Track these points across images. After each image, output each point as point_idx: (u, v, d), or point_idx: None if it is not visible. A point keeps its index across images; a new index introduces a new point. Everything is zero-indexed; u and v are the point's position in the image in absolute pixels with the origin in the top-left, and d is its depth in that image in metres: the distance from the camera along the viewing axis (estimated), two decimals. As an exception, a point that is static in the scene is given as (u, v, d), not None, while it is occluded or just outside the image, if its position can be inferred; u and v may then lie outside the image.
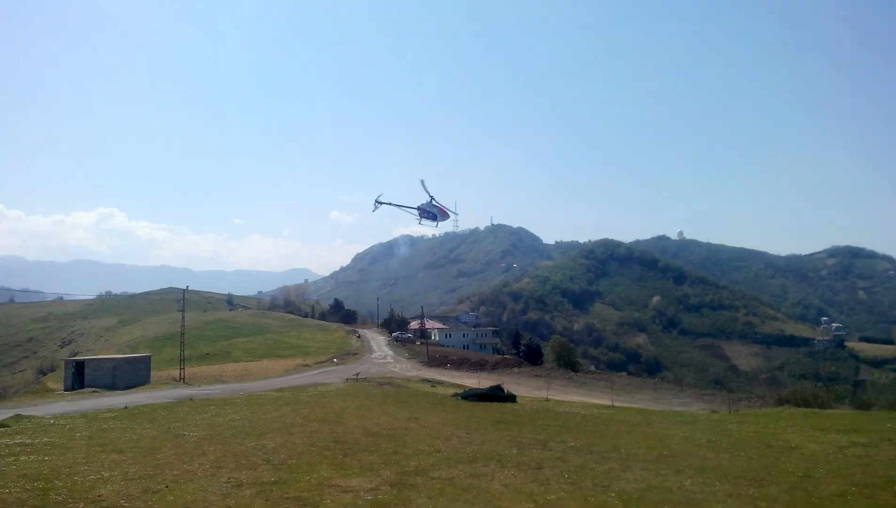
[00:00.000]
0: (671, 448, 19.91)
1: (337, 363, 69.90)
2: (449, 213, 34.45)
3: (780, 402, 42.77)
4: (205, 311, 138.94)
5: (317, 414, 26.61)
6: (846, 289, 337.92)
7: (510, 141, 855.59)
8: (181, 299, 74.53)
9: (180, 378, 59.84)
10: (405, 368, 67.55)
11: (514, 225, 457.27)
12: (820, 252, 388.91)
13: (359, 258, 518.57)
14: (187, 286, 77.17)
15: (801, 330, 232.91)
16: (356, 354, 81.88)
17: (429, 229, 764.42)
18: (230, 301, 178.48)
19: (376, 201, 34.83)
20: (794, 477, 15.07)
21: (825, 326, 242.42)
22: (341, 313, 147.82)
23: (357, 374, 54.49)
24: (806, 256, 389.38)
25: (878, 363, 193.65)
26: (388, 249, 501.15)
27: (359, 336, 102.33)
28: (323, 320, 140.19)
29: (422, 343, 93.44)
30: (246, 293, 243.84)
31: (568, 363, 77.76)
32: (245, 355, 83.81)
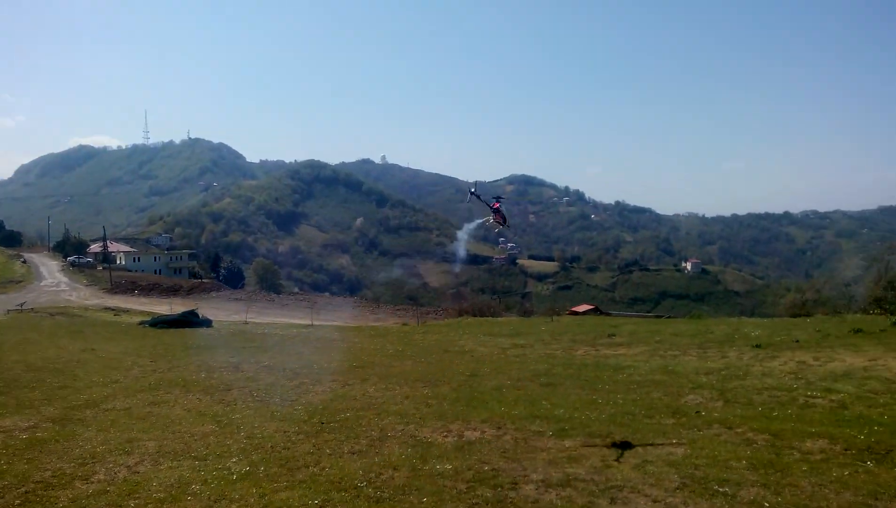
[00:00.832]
0: (361, 360, 21.05)
1: (-4, 294, 60.17)
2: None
3: (460, 313, 47.83)
4: None
5: (-36, 352, 22.77)
6: (520, 212, 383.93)
7: (205, 48, 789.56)
8: None
9: None
10: (83, 296, 60.79)
11: (215, 140, 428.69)
12: (501, 179, 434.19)
13: (24, 171, 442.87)
14: None
15: (484, 250, 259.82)
16: (21, 282, 71.15)
17: (113, 141, 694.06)
18: None
19: (471, 193, 29.23)
20: (463, 377, 17.01)
21: (502, 246, 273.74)
22: (2, 235, 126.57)
23: (21, 304, 47.58)
24: (490, 182, 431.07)
25: (541, 278, 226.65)
26: (62, 160, 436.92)
27: (24, 261, 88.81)
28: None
29: (104, 268, 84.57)
30: None
31: (271, 286, 77.36)
32: None
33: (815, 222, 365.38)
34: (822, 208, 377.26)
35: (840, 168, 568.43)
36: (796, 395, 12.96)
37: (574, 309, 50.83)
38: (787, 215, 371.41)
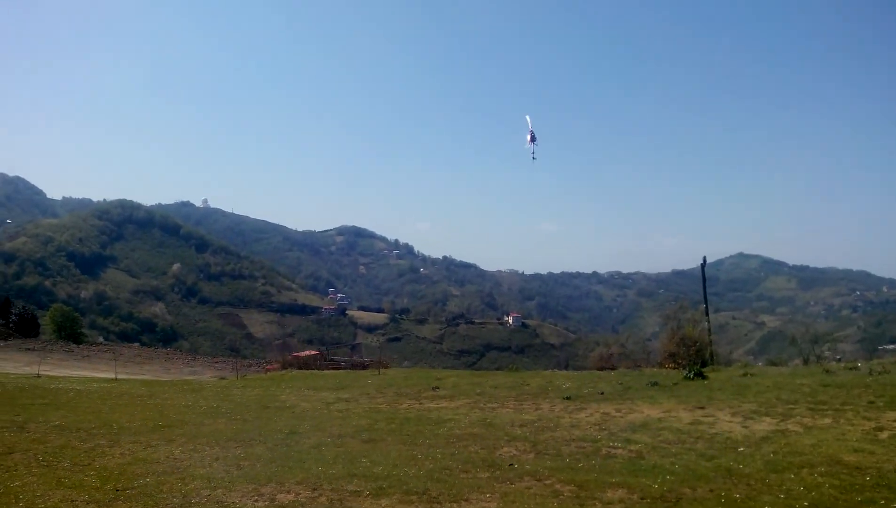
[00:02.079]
0: (169, 418, 19.53)
1: None
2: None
3: (285, 366, 46.20)
4: None
5: None
6: (351, 264, 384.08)
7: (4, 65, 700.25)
8: None
9: None
10: None
11: (10, 173, 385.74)
12: (331, 230, 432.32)
13: None
14: None
15: (312, 300, 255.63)
16: None
17: None
18: None
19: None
20: (281, 435, 16.32)
21: (332, 296, 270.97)
22: None
23: None
24: (319, 232, 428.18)
25: (371, 329, 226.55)
26: None
27: None
28: None
29: None
30: None
31: (70, 335, 69.85)
32: None
33: (619, 281, 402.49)
34: (624, 270, 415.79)
35: (639, 235, 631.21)
36: (600, 446, 13.85)
37: (296, 354, 51.57)
38: (595, 274, 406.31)
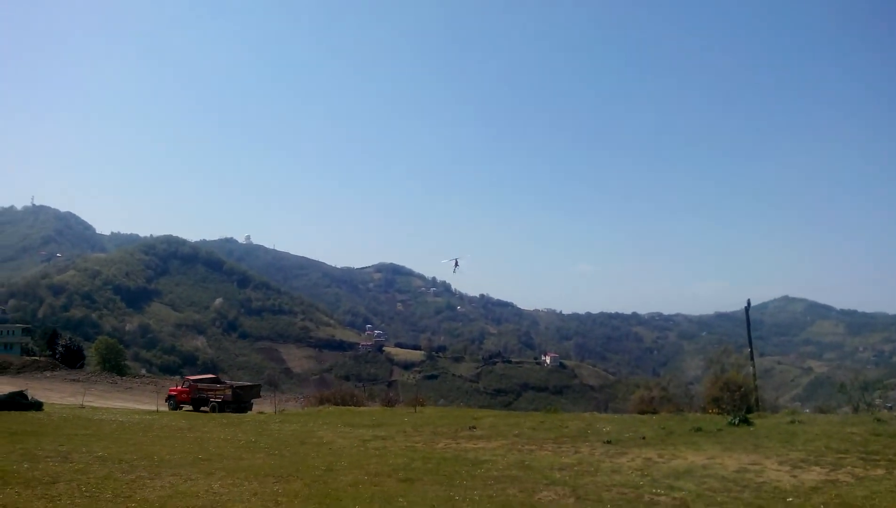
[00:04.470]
0: (208, 452, 19.69)
1: None
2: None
3: (321, 401, 46.30)
4: None
5: None
6: (388, 300, 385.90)
7: (58, 109, 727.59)
8: None
9: None
10: None
11: (62, 209, 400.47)
12: (369, 267, 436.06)
13: None
14: None
15: (350, 335, 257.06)
16: None
17: None
18: None
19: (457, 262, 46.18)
20: (318, 471, 16.30)
21: (369, 332, 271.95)
22: None
23: None
24: (358, 269, 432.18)
25: (407, 366, 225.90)
26: None
27: None
28: None
29: (-81, 342, 75.03)
30: None
31: (114, 367, 71.46)
32: None
33: (660, 323, 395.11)
34: (666, 311, 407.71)
35: (681, 278, 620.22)
36: (642, 492, 13.49)
37: (188, 377, 49.39)
38: (635, 315, 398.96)
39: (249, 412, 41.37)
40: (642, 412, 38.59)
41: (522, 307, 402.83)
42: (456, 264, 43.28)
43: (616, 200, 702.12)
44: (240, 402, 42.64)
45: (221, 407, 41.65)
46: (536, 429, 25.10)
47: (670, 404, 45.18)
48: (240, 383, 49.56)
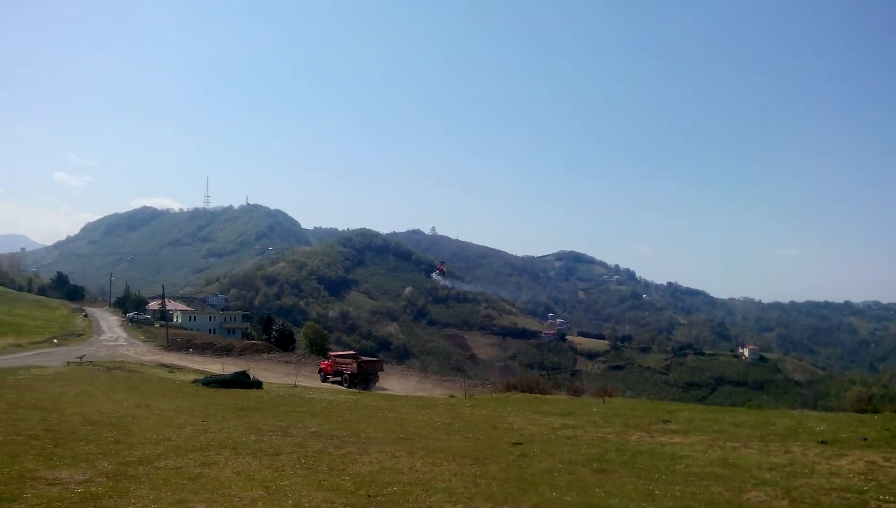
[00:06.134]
0: (408, 431, 20.79)
1: (57, 344, 62.03)
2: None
3: (509, 388, 46.85)
4: None
5: (27, 400, 23.43)
6: (569, 289, 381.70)
7: (267, 123, 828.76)
8: None
9: None
10: (140, 352, 62.22)
11: (272, 207, 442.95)
12: (549, 255, 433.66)
13: (90, 229, 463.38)
14: None
15: (532, 324, 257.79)
16: (82, 335, 73.42)
17: (175, 203, 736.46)
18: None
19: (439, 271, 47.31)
20: (512, 456, 16.59)
21: (551, 321, 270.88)
22: (66, 289, 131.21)
23: (81, 357, 48.92)
24: (538, 257, 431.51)
25: (591, 356, 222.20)
26: (126, 221, 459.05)
27: (86, 315, 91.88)
28: (43, 295, 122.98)
29: (161, 326, 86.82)
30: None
31: (320, 350, 77.65)
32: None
33: (878, 313, 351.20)
34: (884, 300, 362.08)
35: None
36: (868, 498, 12.17)
37: (332, 353, 56.49)
38: (848, 304, 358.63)
39: (437, 396, 43.14)
40: (860, 411, 34.72)
41: (715, 296, 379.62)
42: (441, 273, 42.09)
43: (821, 176, 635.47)
44: (365, 374, 48.74)
45: (351, 379, 47.53)
46: (738, 426, 23.52)
47: (893, 402, 40.29)
48: (365, 358, 55.56)
